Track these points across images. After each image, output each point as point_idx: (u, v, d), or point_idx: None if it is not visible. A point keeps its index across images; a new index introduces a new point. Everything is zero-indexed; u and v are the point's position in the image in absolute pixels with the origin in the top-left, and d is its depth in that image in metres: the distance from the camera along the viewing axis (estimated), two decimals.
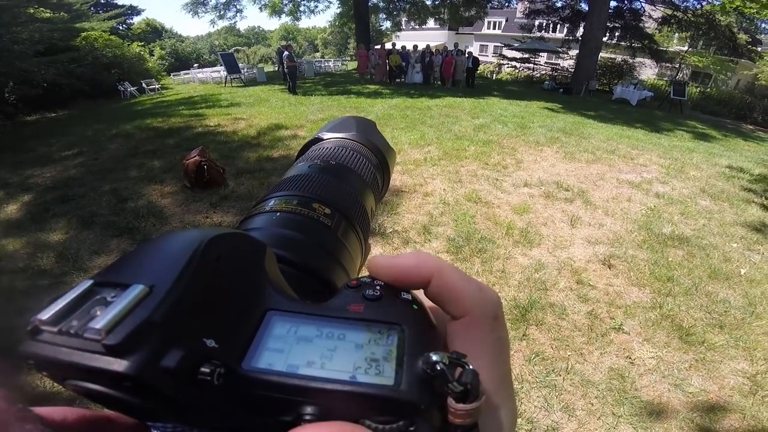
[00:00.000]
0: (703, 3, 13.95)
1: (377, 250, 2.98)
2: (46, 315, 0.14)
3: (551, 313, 2.41)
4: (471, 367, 0.14)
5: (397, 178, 4.36)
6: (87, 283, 0.15)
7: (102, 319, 0.13)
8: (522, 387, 1.93)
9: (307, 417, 0.14)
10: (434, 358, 0.14)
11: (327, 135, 0.38)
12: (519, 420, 1.78)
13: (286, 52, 11.30)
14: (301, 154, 0.37)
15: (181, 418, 0.15)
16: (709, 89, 18.32)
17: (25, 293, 2.51)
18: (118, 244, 3.08)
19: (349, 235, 0.28)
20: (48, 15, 11.21)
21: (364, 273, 0.21)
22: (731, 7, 8.15)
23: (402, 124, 6.87)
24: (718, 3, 11.14)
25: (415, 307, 0.18)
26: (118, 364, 0.12)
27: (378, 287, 0.18)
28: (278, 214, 0.27)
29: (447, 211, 3.64)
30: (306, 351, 0.15)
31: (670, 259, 3.05)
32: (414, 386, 0.14)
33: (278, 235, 0.25)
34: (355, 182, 0.32)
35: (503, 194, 4.06)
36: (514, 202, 3.85)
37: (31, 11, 10.34)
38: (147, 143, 5.88)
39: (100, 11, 20.22)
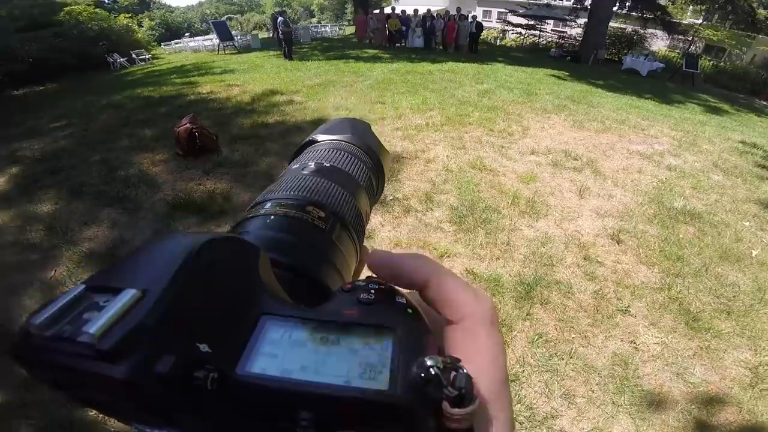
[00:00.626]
0: None
1: (377, 218, 2.84)
2: (38, 319, 0.13)
3: (557, 291, 2.28)
4: (465, 371, 0.14)
5: (397, 144, 4.18)
6: (79, 288, 0.15)
7: (94, 324, 0.12)
8: (524, 371, 1.85)
9: (302, 422, 0.14)
10: (428, 362, 0.14)
11: (321, 137, 0.37)
12: (519, 406, 1.71)
13: (280, 18, 10.84)
14: (295, 157, 0.36)
15: (175, 424, 0.14)
16: (722, 63, 17.68)
17: (15, 269, 2.42)
18: (109, 214, 2.96)
19: (344, 239, 0.28)
20: None
21: (360, 276, 0.23)
22: None
23: (403, 88, 6.56)
24: None
25: (410, 311, 0.18)
26: (111, 369, 0.12)
27: (372, 291, 0.18)
28: (272, 217, 0.26)
29: (450, 178, 3.46)
30: (300, 355, 0.15)
31: (680, 236, 2.90)
32: (408, 391, 0.14)
33: (272, 238, 0.25)
34: (350, 185, 0.32)
35: (509, 162, 3.86)
36: (520, 170, 3.66)
37: None
38: (138, 113, 5.64)
39: None
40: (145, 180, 3.41)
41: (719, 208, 3.38)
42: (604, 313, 2.17)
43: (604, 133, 5.03)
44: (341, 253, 0.27)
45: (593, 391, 1.78)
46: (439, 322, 0.19)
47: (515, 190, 3.27)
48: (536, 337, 2.00)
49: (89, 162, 3.90)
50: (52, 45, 11.29)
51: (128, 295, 0.13)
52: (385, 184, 0.40)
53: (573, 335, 2.03)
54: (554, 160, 3.93)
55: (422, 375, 0.14)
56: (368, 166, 0.36)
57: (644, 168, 4.02)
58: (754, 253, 2.83)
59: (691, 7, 15.90)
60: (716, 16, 17.40)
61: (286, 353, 0.15)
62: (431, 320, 0.18)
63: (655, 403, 1.75)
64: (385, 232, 2.74)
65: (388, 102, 5.70)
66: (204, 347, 0.14)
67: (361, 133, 0.37)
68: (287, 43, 10.47)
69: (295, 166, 0.33)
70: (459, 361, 0.14)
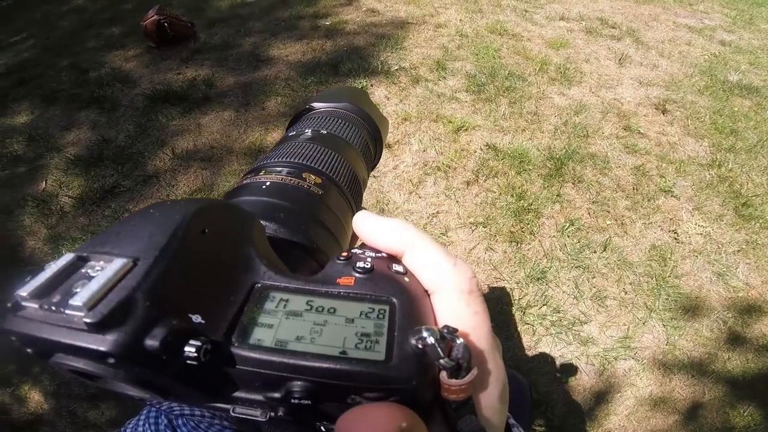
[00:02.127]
0: None
1: (381, 90, 2.45)
2: (27, 290, 0.13)
3: (592, 166, 1.96)
4: (462, 341, 0.14)
5: (401, 9, 3.51)
6: (69, 257, 0.14)
7: (84, 294, 0.12)
8: (551, 266, 1.62)
9: (297, 393, 0.13)
10: (425, 333, 0.14)
11: (319, 104, 0.36)
12: (545, 308, 1.52)
13: None
14: (292, 124, 0.36)
15: (169, 396, 0.14)
16: None
17: (5, 185, 2.23)
18: (87, 116, 2.68)
19: (341, 205, 0.28)
20: None
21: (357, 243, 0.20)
22: None
23: None
24: None
25: (407, 280, 0.17)
26: (100, 342, 0.12)
27: (369, 260, 0.18)
28: (267, 183, 0.26)
29: (465, 44, 2.91)
30: (295, 326, 0.15)
31: (735, 109, 2.49)
32: (405, 362, 0.14)
33: (268, 205, 0.24)
34: (347, 151, 0.31)
35: (534, 27, 3.25)
36: (548, 36, 3.08)
37: None
38: (101, 13, 4.88)
39: None
40: (119, 77, 3.05)
41: None
42: (644, 193, 1.88)
43: (646, 4, 4.26)
44: (338, 220, 0.27)
45: (626, 293, 1.57)
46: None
47: (543, 56, 2.75)
48: (567, 224, 1.73)
49: (57, 68, 3.51)
50: None
51: (118, 264, 0.13)
52: (380, 157, 0.39)
53: (608, 221, 1.76)
54: (588, 27, 3.32)
55: (419, 345, 0.14)
56: (366, 133, 0.36)
57: (693, 41, 3.43)
58: None
59: None
60: None
61: (281, 323, 0.15)
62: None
63: (691, 308, 1.56)
64: (392, 106, 2.33)
65: None
66: (197, 318, 0.13)
67: (358, 101, 0.37)
68: None
69: (292, 133, 0.33)
70: (456, 331, 0.14)
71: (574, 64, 2.68)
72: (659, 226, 1.79)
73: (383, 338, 0.14)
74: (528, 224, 1.76)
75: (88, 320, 0.12)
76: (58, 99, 2.97)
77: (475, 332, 0.17)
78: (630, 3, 4.21)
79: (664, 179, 1.96)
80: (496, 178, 1.94)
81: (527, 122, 2.18)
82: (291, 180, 0.26)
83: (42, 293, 0.13)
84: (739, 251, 1.75)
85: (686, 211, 1.86)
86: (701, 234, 1.79)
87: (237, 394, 0.14)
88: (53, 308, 0.12)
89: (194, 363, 0.13)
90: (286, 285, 0.16)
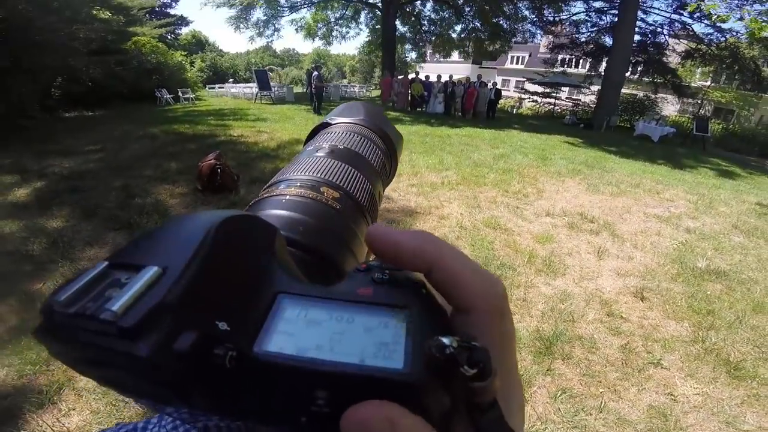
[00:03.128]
0: (727, 36, 13.84)
1: None
2: (61, 297, 0.13)
3: (579, 346, 2.23)
4: (481, 345, 0.14)
5: (412, 200, 4.32)
6: (102, 265, 0.15)
7: (116, 301, 0.13)
8: (546, 428, 1.75)
9: (317, 401, 0.14)
10: (444, 341, 0.14)
11: (336, 120, 0.37)
12: None
13: (316, 72, 11.61)
14: (310, 139, 0.37)
15: (193, 403, 0.14)
16: (731, 125, 18.05)
17: (3, 277, 2.47)
18: (114, 238, 3.06)
19: (357, 219, 0.28)
20: (107, 16, 11.35)
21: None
22: (760, 35, 8.01)
23: (421, 149, 6.87)
24: (742, 35, 11.05)
25: (424, 291, 0.17)
26: (132, 347, 0.12)
27: (387, 271, 0.18)
28: (287, 197, 0.27)
29: (464, 235, 3.53)
30: (315, 334, 0.15)
31: (708, 292, 2.85)
32: (423, 370, 0.14)
33: (287, 218, 0.25)
34: (363, 167, 0.32)
35: (524, 222, 3.92)
36: (535, 231, 3.71)
37: (94, 12, 10.59)
38: (169, 146, 6.01)
39: (153, 18, 20.74)
40: (159, 210, 3.53)
41: (745, 267, 3.34)
42: (634, 366, 2.10)
43: (620, 197, 5.09)
44: (355, 233, 0.28)
45: None
46: (445, 306, 0.18)
47: (531, 249, 3.30)
48: (559, 392, 1.92)
49: (110, 186, 4.08)
50: (112, 72, 11.56)
51: (150, 272, 0.14)
52: (395, 173, 0.40)
53: (601, 389, 1.95)
54: (570, 222, 3.98)
55: (437, 354, 0.14)
56: (381, 148, 0.36)
57: (663, 230, 4.02)
58: None
59: (699, 69, 16.57)
60: (723, 78, 18.00)
61: (301, 332, 0.15)
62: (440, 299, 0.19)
63: None
64: None
65: (405, 160, 5.96)
66: (223, 325, 0.14)
67: (374, 116, 0.38)
68: (318, 97, 11.11)
69: (310, 148, 0.33)
70: (474, 338, 0.14)
71: (558, 257, 3.20)
72: (654, 390, 1.95)
73: (401, 347, 0.15)
74: None
75: (120, 326, 0.12)
76: (97, 215, 3.35)
77: (502, 352, 0.17)
78: (606, 197, 5.06)
79: (651, 354, 2.18)
80: None
81: (516, 307, 2.54)
82: (309, 194, 0.27)
83: (75, 300, 0.13)
84: (743, 403, 1.89)
85: (679, 378, 2.04)
86: (699, 394, 1.94)
87: (259, 401, 0.15)
88: (87, 314, 0.13)
89: (220, 369, 0.13)
90: (307, 295, 0.17)
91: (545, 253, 3.27)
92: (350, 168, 0.31)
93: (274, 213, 0.26)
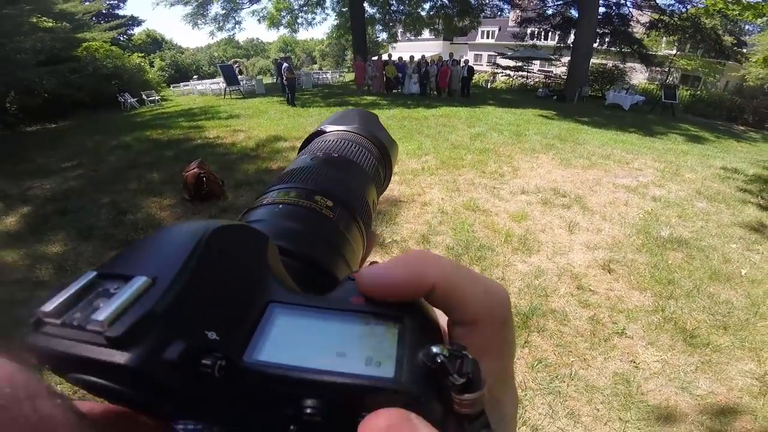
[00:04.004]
0: (688, 6, 14.20)
1: (376, 260, 2.99)
2: (49, 307, 0.14)
3: (553, 319, 2.42)
4: (472, 357, 0.14)
5: (395, 188, 4.39)
6: (90, 275, 0.15)
7: (104, 311, 0.13)
8: (525, 395, 1.92)
9: (308, 410, 0.14)
10: (435, 350, 0.14)
11: (330, 127, 0.37)
12: (524, 428, 1.77)
13: (285, 64, 11.37)
14: (304, 147, 0.36)
15: (184, 412, 0.15)
16: (699, 92, 18.52)
17: (24, 304, 2.51)
18: None
19: (351, 228, 0.28)
20: (50, 25, 11.05)
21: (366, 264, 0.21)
22: (714, 10, 8.24)
23: (399, 134, 6.93)
24: (702, 6, 11.33)
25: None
26: (120, 356, 0.12)
27: None
28: (280, 206, 0.27)
29: (445, 220, 3.67)
30: (307, 343, 0.15)
31: (669, 262, 3.07)
32: (414, 379, 0.14)
33: (280, 227, 0.25)
34: (358, 175, 0.32)
35: (501, 202, 4.09)
36: (511, 210, 3.88)
37: (34, 20, 10.22)
38: (146, 155, 5.92)
39: (102, 21, 19.78)
40: (153, 224, 3.55)
41: (705, 234, 3.58)
42: (600, 336, 2.29)
43: (591, 169, 5.30)
44: (348, 242, 0.27)
45: (598, 410, 1.85)
46: (441, 316, 0.18)
47: (508, 229, 3.46)
48: (536, 362, 2.10)
49: (98, 204, 4.06)
50: (67, 80, 11.31)
51: (138, 282, 0.14)
52: (389, 180, 0.40)
53: (572, 359, 2.13)
54: (544, 199, 4.16)
55: (428, 363, 0.14)
56: (375, 156, 0.36)
57: (630, 200, 4.24)
58: (744, 271, 2.99)
59: (664, 38, 16.91)
60: (688, 46, 18.42)
61: (293, 341, 0.15)
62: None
63: (664, 416, 1.82)
64: None
65: None
66: (212, 334, 0.14)
67: (369, 124, 0.38)
68: (290, 89, 10.91)
69: (304, 156, 0.33)
70: (465, 348, 0.14)
71: (532, 235, 3.37)
72: (618, 358, 2.15)
73: (393, 356, 0.15)
74: None
75: (108, 335, 0.12)
76: (94, 236, 3.36)
77: (501, 356, 0.18)
78: (578, 170, 5.26)
79: (616, 325, 2.38)
80: None
81: None
82: (303, 203, 0.26)
83: (63, 310, 0.13)
84: (697, 369, 2.09)
85: (641, 347, 2.23)
86: (658, 361, 2.14)
87: (250, 410, 0.14)
88: (75, 324, 0.13)
89: (209, 379, 0.13)
90: (299, 303, 0.17)
91: (521, 231, 3.44)
92: (344, 176, 0.30)
93: (267, 222, 0.25)
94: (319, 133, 0.37)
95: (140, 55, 19.07)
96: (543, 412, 1.84)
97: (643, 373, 2.06)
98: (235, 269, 0.17)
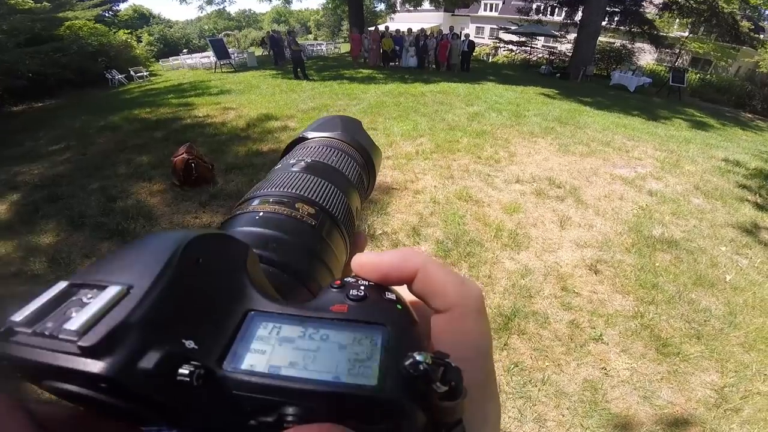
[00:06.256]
0: None
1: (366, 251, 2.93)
2: (20, 316, 0.13)
3: (534, 321, 2.39)
4: (454, 365, 0.14)
5: (387, 174, 4.30)
6: (62, 285, 0.15)
7: (77, 320, 0.13)
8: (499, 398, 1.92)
9: (289, 418, 0.14)
10: (418, 358, 0.14)
11: (312, 134, 0.37)
12: None
13: (289, 37, 11.10)
14: (286, 153, 0.36)
15: (162, 420, 0.14)
16: (708, 76, 18.05)
17: (20, 299, 2.47)
18: (109, 247, 3.05)
19: (334, 235, 0.28)
20: (29, 5, 10.96)
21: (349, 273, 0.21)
22: None
23: (395, 113, 6.74)
24: None
25: (399, 307, 0.18)
26: (94, 366, 0.12)
27: (362, 287, 0.18)
28: (261, 214, 0.26)
29: (437, 210, 3.59)
30: (288, 352, 0.15)
31: (657, 264, 3.02)
32: (397, 387, 0.14)
33: (261, 235, 0.25)
34: (340, 181, 0.32)
35: (494, 191, 4.00)
36: (504, 201, 3.80)
37: (12, 2, 10.19)
38: (135, 136, 5.76)
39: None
40: (143, 212, 3.51)
41: (697, 234, 3.52)
42: (577, 341, 2.28)
43: (589, 157, 5.18)
44: (331, 249, 0.27)
45: (563, 415, 1.88)
46: (428, 311, 0.19)
47: (499, 222, 3.40)
48: (512, 365, 2.10)
49: (87, 190, 3.99)
50: (51, 60, 11.33)
51: (113, 290, 0.14)
52: (373, 186, 0.40)
53: (547, 363, 2.13)
54: (538, 189, 4.07)
55: (411, 371, 0.14)
56: (359, 162, 0.36)
57: (626, 194, 4.16)
58: (728, 277, 2.95)
59: (677, 20, 16.32)
60: (702, 29, 17.84)
61: (274, 349, 0.15)
62: (419, 311, 0.19)
63: (622, 425, 1.85)
64: None
65: (380, 128, 5.87)
66: (190, 343, 0.14)
67: (351, 130, 0.38)
68: (298, 63, 10.51)
69: (285, 163, 0.33)
70: (448, 356, 0.14)
71: (523, 229, 3.31)
72: (591, 365, 2.15)
73: (376, 364, 0.15)
74: None
75: (81, 344, 0.12)
76: (85, 225, 3.33)
77: (480, 351, 0.18)
78: (576, 157, 5.14)
79: (594, 330, 2.37)
80: None
81: (483, 284, 2.66)
82: (284, 210, 0.26)
83: (35, 319, 0.13)
84: (662, 379, 2.10)
85: (614, 353, 2.23)
86: (627, 369, 2.14)
87: (230, 418, 0.14)
88: (46, 333, 0.13)
89: (187, 388, 0.13)
90: (279, 312, 0.17)
91: (512, 225, 3.38)
92: (326, 183, 0.30)
93: (248, 230, 0.25)
94: (302, 139, 0.37)
95: (126, 31, 18.90)
96: (512, 415, 1.87)
97: (611, 381, 2.07)
98: (214, 278, 0.17)
